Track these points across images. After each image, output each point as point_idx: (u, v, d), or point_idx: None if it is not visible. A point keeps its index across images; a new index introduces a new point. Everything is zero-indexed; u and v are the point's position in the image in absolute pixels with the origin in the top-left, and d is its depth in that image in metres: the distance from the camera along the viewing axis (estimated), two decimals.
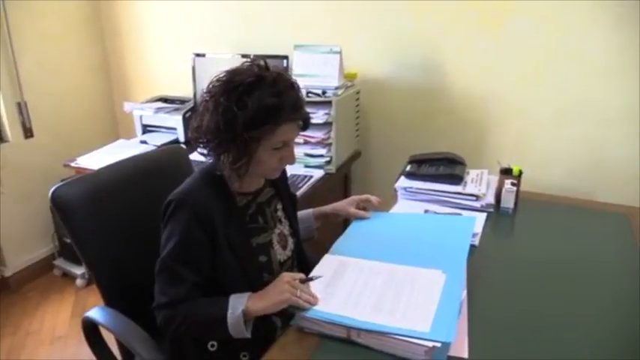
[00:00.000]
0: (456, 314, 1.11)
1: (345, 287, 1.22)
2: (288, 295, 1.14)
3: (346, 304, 1.16)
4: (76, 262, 2.92)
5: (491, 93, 2.31)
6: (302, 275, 1.23)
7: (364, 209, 1.62)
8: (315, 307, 1.15)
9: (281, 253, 1.37)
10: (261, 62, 1.22)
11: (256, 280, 1.25)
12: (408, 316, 1.10)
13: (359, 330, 1.09)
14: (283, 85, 1.19)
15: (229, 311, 1.14)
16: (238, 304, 1.15)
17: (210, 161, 1.29)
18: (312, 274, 1.27)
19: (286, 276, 1.19)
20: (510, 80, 2.25)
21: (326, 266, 1.32)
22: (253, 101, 1.15)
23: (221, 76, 1.22)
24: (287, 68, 2.42)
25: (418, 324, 1.07)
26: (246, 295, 1.17)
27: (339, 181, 2.51)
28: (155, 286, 1.21)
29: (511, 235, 1.69)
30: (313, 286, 1.21)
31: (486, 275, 1.39)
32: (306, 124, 1.29)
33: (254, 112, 1.15)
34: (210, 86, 1.22)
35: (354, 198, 1.63)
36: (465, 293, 1.21)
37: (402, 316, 1.11)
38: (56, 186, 1.36)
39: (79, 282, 2.91)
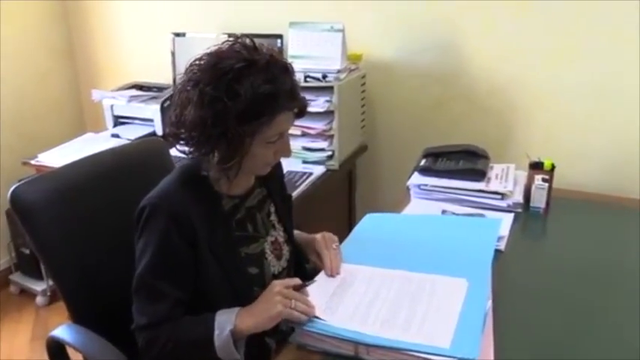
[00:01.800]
0: (480, 328, 1.12)
1: (353, 298, 1.23)
2: (280, 307, 1.14)
3: (354, 316, 1.17)
4: (36, 276, 2.92)
5: (517, 77, 2.32)
6: (296, 280, 1.23)
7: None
8: (318, 320, 1.16)
9: (275, 265, 1.37)
10: (248, 41, 1.22)
11: (246, 294, 1.25)
12: (425, 330, 1.11)
13: (368, 346, 1.09)
14: (277, 69, 1.19)
15: (216, 332, 1.15)
16: (226, 323, 1.15)
17: (191, 158, 1.28)
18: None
19: (277, 285, 1.19)
20: (539, 63, 2.26)
21: (324, 280, 1.32)
22: (246, 90, 1.14)
23: (202, 59, 1.20)
24: (281, 49, 2.44)
25: (437, 339, 1.08)
26: (234, 311, 1.18)
27: (342, 179, 2.52)
28: (133, 305, 1.22)
29: (542, 238, 1.71)
30: (313, 296, 1.21)
31: (514, 283, 1.40)
32: (302, 112, 1.30)
33: (248, 103, 1.14)
34: (191, 73, 1.21)
35: (316, 246, 1.42)
36: (490, 304, 1.22)
37: (418, 329, 1.12)
38: (15, 185, 1.36)
39: (39, 300, 2.91)
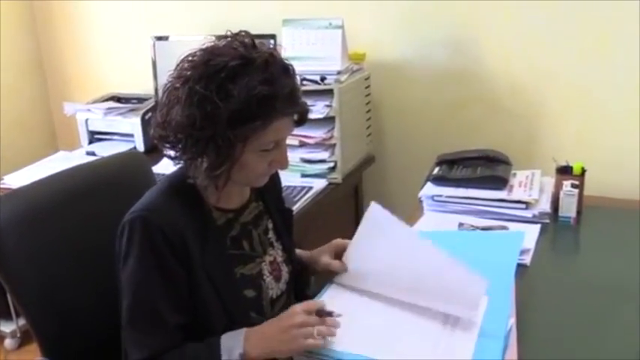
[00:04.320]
0: (501, 348, 1.14)
1: (361, 325, 1.24)
2: (302, 342, 1.14)
3: (363, 340, 1.18)
4: (4, 316, 2.92)
5: (543, 74, 2.34)
6: (319, 304, 1.21)
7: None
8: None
9: (273, 287, 1.39)
10: (246, 39, 1.25)
11: (242, 321, 1.27)
12: (443, 349, 1.14)
13: None
14: (277, 70, 1.22)
15: (224, 357, 1.17)
16: (234, 348, 1.17)
17: (178, 167, 1.32)
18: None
19: (298, 315, 1.17)
20: (568, 57, 2.29)
21: (330, 302, 1.32)
22: (240, 90, 1.17)
23: (195, 55, 1.24)
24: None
25: (455, 357, 1.11)
26: (241, 333, 1.20)
27: (347, 194, 2.54)
28: (127, 338, 1.24)
29: (573, 251, 1.73)
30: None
31: (541, 301, 1.43)
32: (302, 119, 1.33)
33: (241, 104, 1.17)
34: (181, 69, 1.23)
35: (337, 242, 1.49)
36: (512, 321, 1.24)
37: (434, 348, 1.14)
38: None
39: (8, 342, 2.91)
